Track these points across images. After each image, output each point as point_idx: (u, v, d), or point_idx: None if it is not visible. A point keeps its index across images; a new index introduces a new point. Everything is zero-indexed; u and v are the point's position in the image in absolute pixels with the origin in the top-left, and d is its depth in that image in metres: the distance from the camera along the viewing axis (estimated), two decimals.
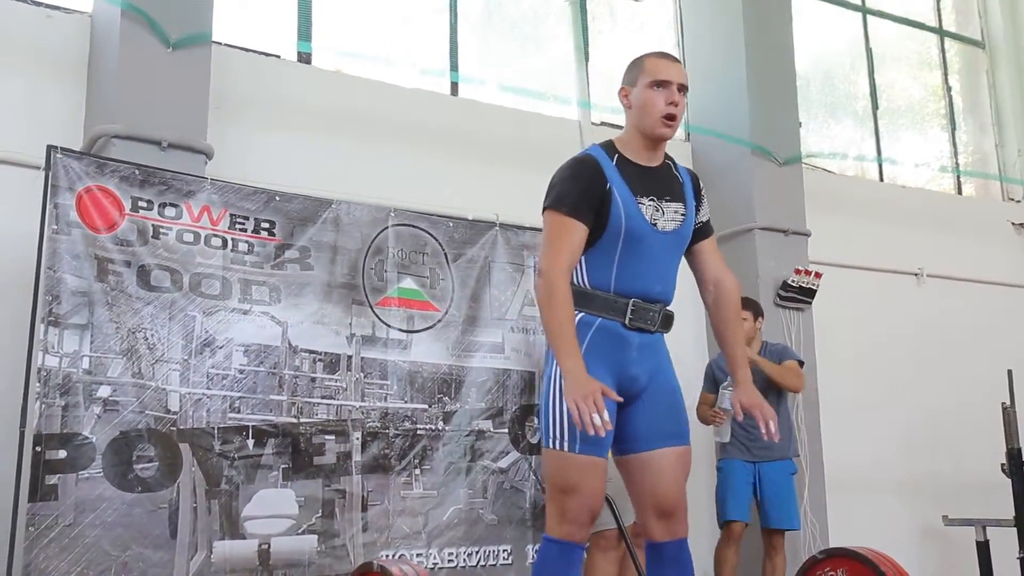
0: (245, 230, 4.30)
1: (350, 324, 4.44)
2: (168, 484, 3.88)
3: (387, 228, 4.62)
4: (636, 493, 2.80)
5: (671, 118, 2.71)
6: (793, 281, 6.03)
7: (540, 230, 4.97)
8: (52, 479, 3.66)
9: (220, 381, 4.10)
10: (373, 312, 4.50)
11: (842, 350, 6.25)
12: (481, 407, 4.66)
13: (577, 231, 2.64)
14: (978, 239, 7.43)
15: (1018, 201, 8.04)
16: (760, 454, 4.86)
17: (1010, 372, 6.19)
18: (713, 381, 4.94)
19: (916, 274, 7.16)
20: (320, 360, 4.33)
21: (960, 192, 8.07)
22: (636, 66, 2.81)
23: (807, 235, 6.29)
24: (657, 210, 2.71)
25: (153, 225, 4.09)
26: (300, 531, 4.10)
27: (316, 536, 4.12)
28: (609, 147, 2.78)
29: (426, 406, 4.52)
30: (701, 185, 2.88)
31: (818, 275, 6.05)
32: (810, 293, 6.07)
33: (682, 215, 2.77)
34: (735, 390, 2.85)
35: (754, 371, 4.91)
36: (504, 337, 4.82)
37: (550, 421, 2.67)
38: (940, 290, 7.14)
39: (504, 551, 4.49)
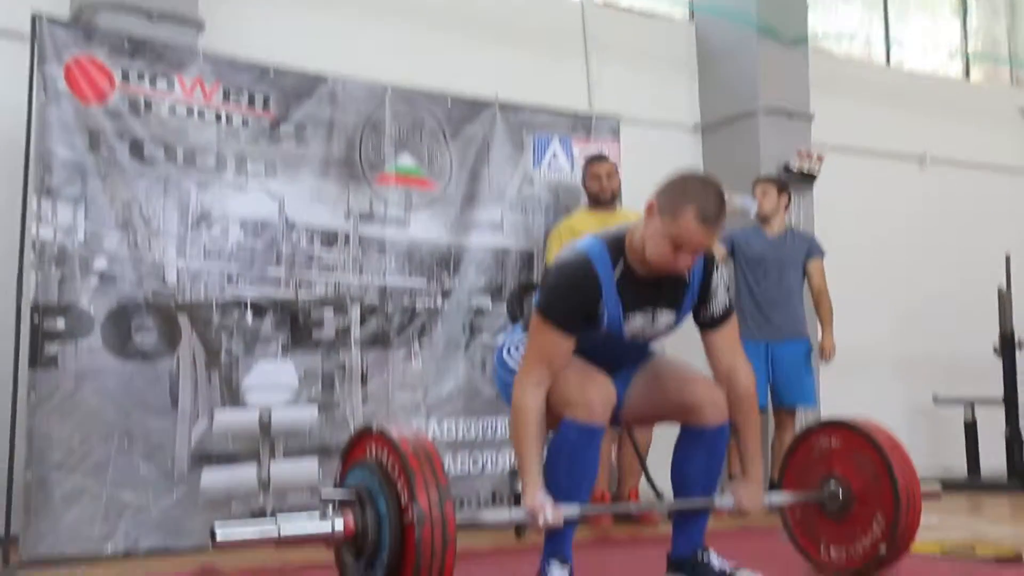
0: (239, 104, 4.23)
1: (348, 200, 4.40)
2: (168, 355, 3.91)
3: (384, 105, 4.56)
4: (660, 408, 2.77)
5: (675, 273, 2.57)
6: (794, 165, 5.98)
7: (539, 109, 5.02)
8: (51, 348, 3.68)
9: (217, 255, 4.09)
10: (370, 188, 4.47)
11: (842, 234, 6.23)
12: (480, 284, 4.67)
13: (564, 345, 2.56)
14: (984, 124, 7.35)
15: None
16: (773, 334, 4.87)
17: (1008, 257, 6.22)
18: (731, 250, 4.95)
19: (920, 159, 7.10)
20: (318, 236, 4.32)
21: (968, 77, 7.94)
22: (678, 202, 2.45)
23: (811, 118, 6.21)
24: (646, 321, 2.65)
25: (145, 98, 4.01)
26: (301, 402, 4.15)
27: (316, 406, 4.17)
28: (617, 250, 2.58)
29: (424, 282, 4.53)
30: (715, 278, 2.68)
31: (820, 158, 5.99)
32: (812, 177, 6.03)
33: (673, 322, 2.70)
34: (740, 483, 2.76)
35: (773, 258, 4.92)
36: (503, 215, 4.79)
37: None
38: (943, 175, 7.10)
39: (502, 424, 4.55)
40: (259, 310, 4.13)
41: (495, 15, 5.70)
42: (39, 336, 3.67)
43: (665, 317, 2.68)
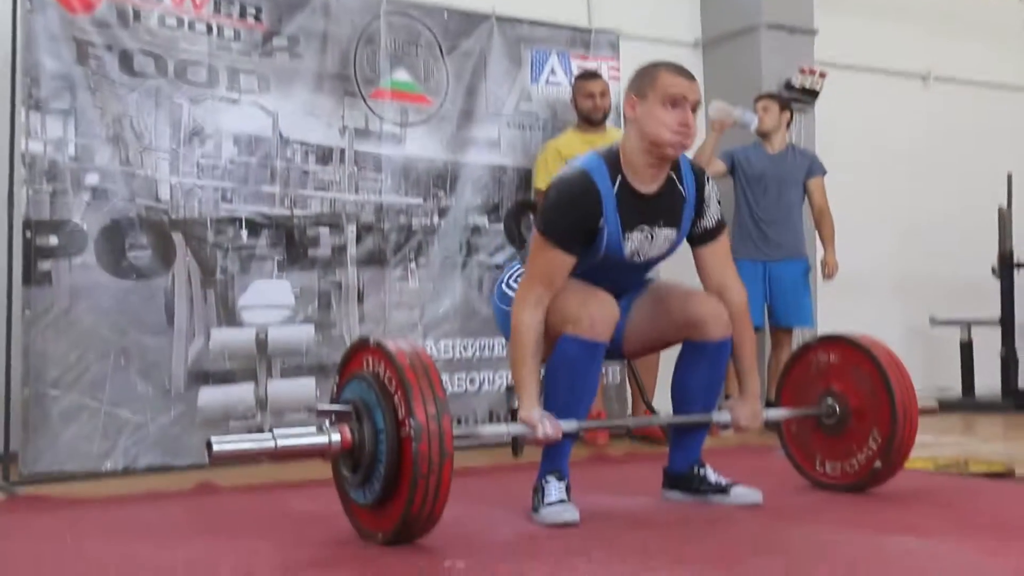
0: (230, 16, 4.14)
1: (342, 116, 4.33)
2: (162, 273, 3.88)
3: (379, 17, 4.45)
4: (663, 330, 2.75)
5: (683, 144, 2.54)
6: (796, 81, 5.87)
7: (537, 23, 4.91)
8: (45, 265, 3.65)
9: (211, 171, 4.03)
10: (366, 104, 4.39)
11: (844, 152, 6.16)
12: (477, 203, 4.62)
13: (565, 264, 2.55)
14: (990, 40, 7.19)
15: None
16: (771, 253, 4.83)
17: (1010, 175, 6.16)
18: (731, 166, 4.89)
19: (923, 77, 6.98)
20: (312, 152, 4.26)
21: None
22: (648, 77, 2.57)
23: (814, 33, 6.08)
24: (646, 240, 2.62)
25: (133, 7, 3.92)
26: (297, 321, 4.14)
27: (313, 325, 4.16)
28: (613, 165, 2.58)
29: (421, 200, 4.48)
30: (707, 191, 2.69)
31: (823, 74, 5.88)
32: (814, 94, 5.92)
33: (672, 241, 2.68)
34: (737, 400, 2.77)
35: (773, 175, 4.86)
36: (500, 132, 4.72)
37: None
38: (947, 93, 6.97)
39: (499, 343, 4.55)
40: (254, 228, 4.09)
41: None
42: (32, 252, 3.64)
43: (664, 234, 2.65)
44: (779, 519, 2.53)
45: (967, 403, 6.01)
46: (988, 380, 6.16)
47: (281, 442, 2.17)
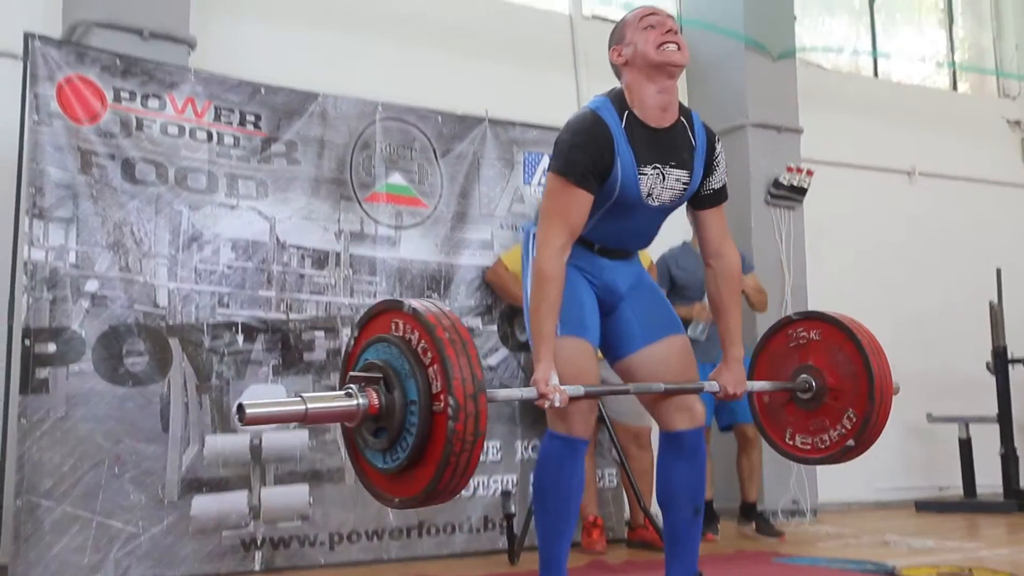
0: (231, 123, 4.22)
1: (338, 220, 4.38)
2: (159, 379, 3.87)
3: (375, 122, 4.54)
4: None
5: (673, 43, 2.57)
6: (784, 179, 5.99)
7: (530, 126, 5.01)
8: (42, 372, 3.64)
9: (208, 276, 4.06)
10: (361, 208, 4.45)
11: (832, 249, 6.26)
12: (470, 304, 4.64)
13: (583, 202, 2.58)
14: (972, 136, 7.37)
15: (1014, 98, 7.94)
16: (712, 353, 4.82)
17: (999, 271, 6.24)
18: (669, 278, 4.88)
19: (908, 172, 7.12)
20: (309, 256, 4.30)
21: (955, 88, 7.97)
22: (619, 25, 2.72)
23: (799, 132, 6.23)
24: (659, 179, 2.63)
25: (136, 117, 3.99)
26: (292, 427, 4.11)
27: (307, 432, 4.13)
28: (619, 101, 2.62)
29: None
30: (718, 149, 2.73)
31: (810, 173, 6.01)
32: (801, 191, 6.04)
33: (684, 184, 2.67)
34: (722, 368, 2.80)
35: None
36: (493, 234, 4.77)
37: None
38: (932, 189, 7.11)
39: (494, 447, 4.52)
40: (250, 332, 4.10)
41: (484, 30, 5.69)
42: (30, 360, 3.63)
43: (676, 175, 2.65)
44: None
45: (969, 503, 5.96)
46: (989, 478, 6.12)
47: (311, 405, 2.10)
